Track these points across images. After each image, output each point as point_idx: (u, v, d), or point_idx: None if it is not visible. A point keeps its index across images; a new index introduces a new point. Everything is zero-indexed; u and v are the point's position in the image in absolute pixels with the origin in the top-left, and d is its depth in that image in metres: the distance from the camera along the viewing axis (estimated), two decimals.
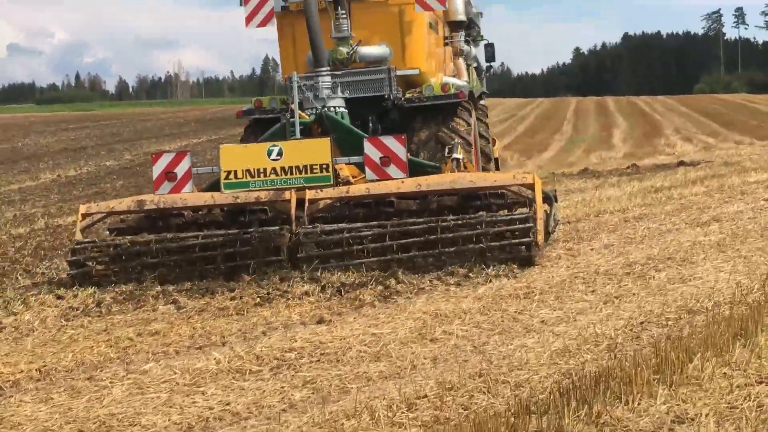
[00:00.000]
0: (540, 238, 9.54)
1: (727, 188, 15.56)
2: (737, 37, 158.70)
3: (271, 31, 12.66)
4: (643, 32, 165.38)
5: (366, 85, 12.00)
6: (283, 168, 9.53)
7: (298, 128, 10.18)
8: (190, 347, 6.98)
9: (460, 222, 9.37)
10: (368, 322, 7.29)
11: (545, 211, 10.31)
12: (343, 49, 11.67)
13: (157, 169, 10.02)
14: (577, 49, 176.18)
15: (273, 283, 9.00)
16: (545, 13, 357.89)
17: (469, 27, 16.75)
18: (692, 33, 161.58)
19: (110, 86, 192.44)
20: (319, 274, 9.11)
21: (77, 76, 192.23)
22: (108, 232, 10.99)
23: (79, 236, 10.27)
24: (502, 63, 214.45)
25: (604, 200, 15.22)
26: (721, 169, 19.86)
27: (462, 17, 15.30)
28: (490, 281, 8.63)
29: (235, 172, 9.58)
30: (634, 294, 7.67)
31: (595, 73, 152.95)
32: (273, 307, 8.16)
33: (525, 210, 9.80)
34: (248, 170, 9.58)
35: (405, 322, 7.11)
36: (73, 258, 9.93)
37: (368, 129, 11.93)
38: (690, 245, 9.86)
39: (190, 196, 10.18)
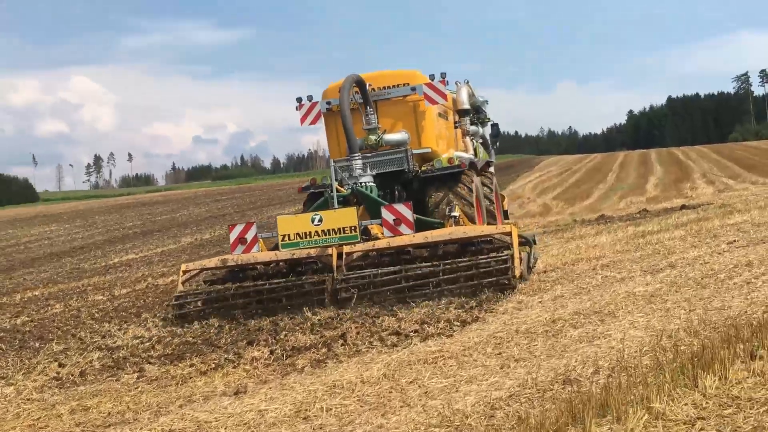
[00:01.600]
0: (517, 272, 9.79)
1: (704, 232, 13.57)
2: (764, 94, 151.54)
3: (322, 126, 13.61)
4: (683, 95, 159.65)
5: (390, 163, 12.63)
6: (323, 230, 10.35)
7: (335, 201, 11.14)
8: (108, 426, 5.85)
9: (456, 264, 9.76)
10: (275, 393, 6.01)
11: (527, 251, 10.90)
12: (372, 137, 12.57)
13: (233, 235, 11.17)
14: (630, 112, 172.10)
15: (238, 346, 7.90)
16: (605, 84, 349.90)
17: (477, 112, 17.21)
18: (725, 92, 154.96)
19: (267, 164, 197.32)
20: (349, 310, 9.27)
21: (242, 158, 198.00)
22: (204, 283, 11.26)
23: (180, 288, 10.84)
24: (570, 126, 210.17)
25: (592, 247, 13.51)
26: (713, 212, 17.68)
27: (467, 106, 15.61)
28: (413, 344, 7.21)
29: (289, 235, 10.46)
30: (535, 357, 6.13)
31: (645, 130, 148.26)
32: (209, 376, 6.93)
33: (506, 252, 9.93)
34: (298, 233, 10.43)
35: (298, 395, 5.78)
36: (176, 303, 10.42)
37: (395, 196, 12.82)
38: (625, 296, 8.14)
39: (260, 255, 10.83)
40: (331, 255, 10.21)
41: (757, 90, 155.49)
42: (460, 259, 9.90)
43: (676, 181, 42.04)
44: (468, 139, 15.76)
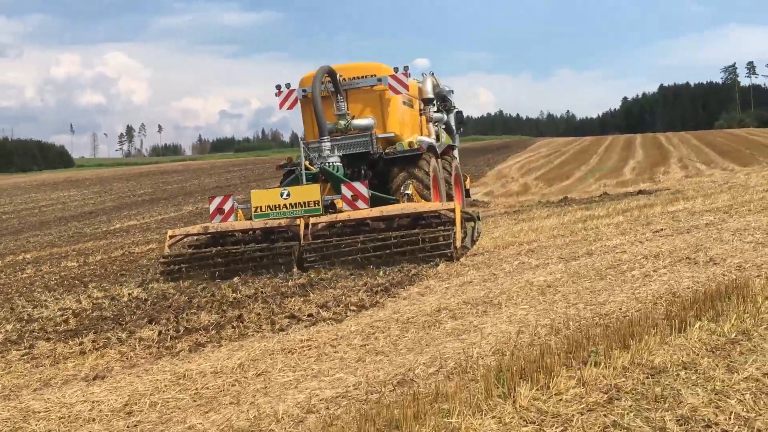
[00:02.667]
0: (458, 244, 10.41)
1: (641, 218, 12.86)
2: (750, 84, 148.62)
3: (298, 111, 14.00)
4: (674, 83, 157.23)
5: (356, 146, 13.04)
6: (290, 204, 10.96)
7: (304, 178, 11.62)
8: None
9: (407, 236, 10.29)
10: (123, 382, 5.43)
11: (472, 226, 11.73)
12: (342, 122, 13.02)
13: (212, 206, 11.72)
14: (624, 98, 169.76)
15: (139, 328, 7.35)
16: (602, 72, 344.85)
17: (444, 100, 17.60)
18: (714, 82, 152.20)
19: (286, 137, 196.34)
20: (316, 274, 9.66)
21: (263, 131, 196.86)
22: (188, 247, 11.69)
23: (166, 250, 11.36)
24: (568, 110, 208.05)
25: (532, 231, 12.86)
26: (663, 198, 16.91)
27: (431, 96, 15.86)
28: (292, 330, 6.63)
29: (261, 207, 11.05)
30: (396, 350, 5.52)
31: (638, 116, 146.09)
32: (86, 357, 6.35)
33: (449, 226, 10.49)
34: (269, 206, 11.01)
35: (140, 386, 5.21)
36: (163, 261, 11.00)
37: (361, 174, 13.21)
38: (523, 286, 7.50)
39: (237, 223, 11.37)
40: (299, 225, 10.75)
41: (744, 81, 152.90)
42: (410, 231, 10.40)
43: (653, 165, 41.03)
44: (431, 125, 15.76)
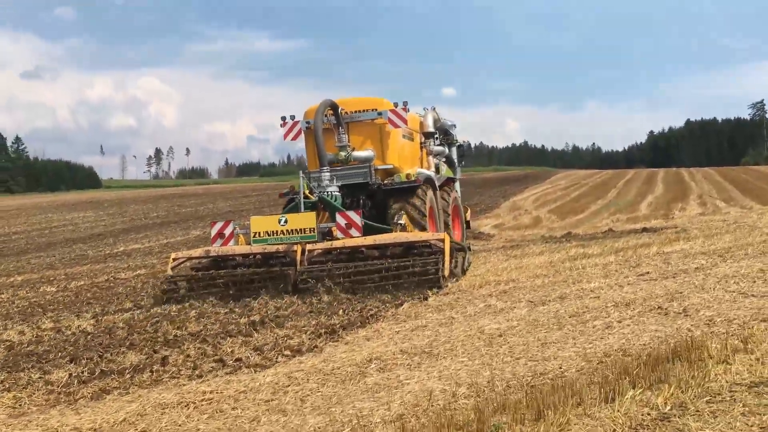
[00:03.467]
0: (446, 273, 10.61)
1: (633, 259, 12.13)
2: None
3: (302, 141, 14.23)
4: (702, 118, 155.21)
5: (355, 176, 13.25)
6: (288, 230, 11.24)
7: (302, 206, 11.89)
8: None
9: (398, 263, 10.53)
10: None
11: (463, 256, 12.45)
12: (343, 153, 13.21)
13: (213, 231, 12.08)
14: (651, 132, 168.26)
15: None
16: (629, 105, 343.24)
17: (446, 134, 17.68)
18: (741, 118, 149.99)
19: None
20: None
21: (288, 157, 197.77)
22: (191, 270, 11.77)
23: (169, 272, 11.52)
24: (593, 143, 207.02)
25: (517, 269, 12.21)
26: (663, 237, 16.15)
27: (431, 129, 16.03)
28: (204, 380, 6.05)
29: (259, 233, 11.32)
30: (298, 411, 4.91)
31: (664, 150, 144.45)
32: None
33: (438, 256, 10.71)
34: (267, 231, 11.28)
35: None
36: (166, 283, 11.12)
37: (360, 204, 13.43)
38: (473, 334, 6.90)
39: (237, 248, 11.60)
40: (296, 251, 10.99)
41: None
42: (401, 260, 10.65)
43: (671, 200, 39.98)
44: (432, 158, 16.01)
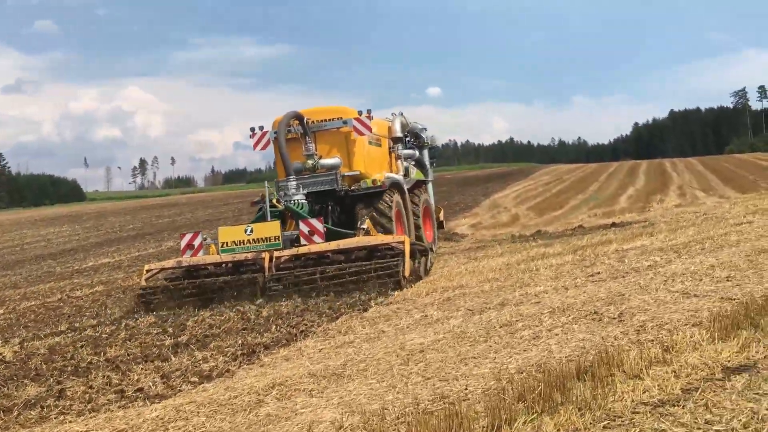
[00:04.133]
0: (407, 274, 11.15)
1: (590, 257, 11.72)
2: (761, 108, 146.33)
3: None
4: (685, 108, 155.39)
5: (322, 183, 13.54)
6: (253, 239, 11.79)
7: (268, 214, 12.56)
8: None
9: (360, 266, 11.07)
10: None
11: (426, 256, 13.04)
12: (310, 162, 13.51)
13: (183, 242, 12.36)
14: (636, 124, 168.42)
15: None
16: (615, 98, 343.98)
17: (417, 137, 18.16)
18: (725, 107, 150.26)
19: None
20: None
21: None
22: (165, 280, 12.17)
23: (143, 283, 11.90)
24: (579, 137, 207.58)
25: (470, 273, 11.82)
26: (629, 233, 15.79)
27: (399, 135, 16.38)
28: (89, 416, 5.60)
29: (227, 242, 11.87)
30: None
31: (648, 142, 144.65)
32: None
33: (398, 258, 11.20)
34: (234, 241, 11.85)
35: None
36: (142, 294, 11.56)
37: (328, 211, 13.91)
38: (392, 351, 6.42)
39: (208, 257, 12.02)
40: (264, 258, 11.43)
41: (755, 105, 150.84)
42: (364, 263, 11.14)
43: (651, 192, 39.72)
44: (400, 162, 16.29)
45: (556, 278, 9.98)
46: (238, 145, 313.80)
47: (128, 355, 7.77)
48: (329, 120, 14.07)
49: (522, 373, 5.21)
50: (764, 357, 4.73)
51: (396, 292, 10.45)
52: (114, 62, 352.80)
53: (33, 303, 15.21)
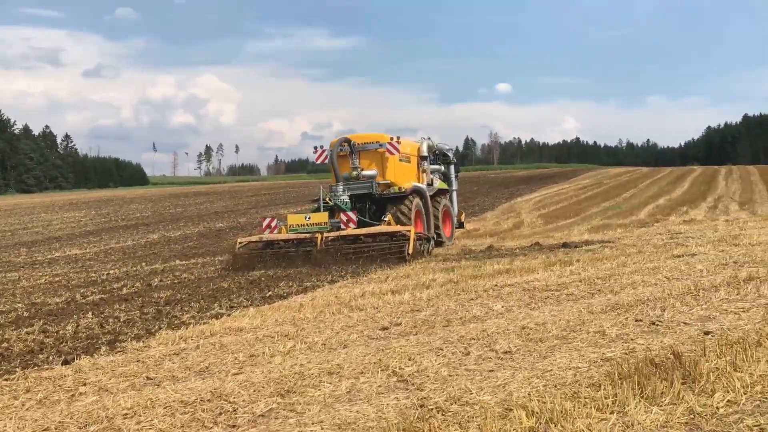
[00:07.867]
0: (410, 251, 15.85)
1: (462, 292, 9.90)
2: None
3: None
4: (760, 113, 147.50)
5: (363, 188, 18.53)
6: (311, 223, 16.89)
7: (321, 207, 17.73)
8: None
9: (377, 244, 16.09)
10: None
11: (428, 243, 18.09)
12: (354, 172, 18.51)
13: (264, 224, 17.62)
14: (708, 128, 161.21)
15: None
16: (693, 101, 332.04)
17: (445, 156, 22.78)
18: None
19: None
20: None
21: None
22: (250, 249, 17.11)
23: (237, 250, 16.90)
24: (648, 139, 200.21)
25: (418, 288, 10.62)
26: (560, 258, 13.66)
27: (425, 154, 21.04)
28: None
29: (293, 225, 17.00)
30: None
31: (720, 147, 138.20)
32: None
33: (404, 241, 16.02)
34: (298, 224, 16.95)
35: None
36: (235, 257, 16.50)
37: (366, 208, 18.73)
38: (310, 370, 5.44)
39: (280, 235, 16.99)
40: (317, 237, 16.30)
41: None
42: (382, 242, 16.09)
43: (684, 203, 37.23)
44: (425, 174, 20.92)
45: (501, 299, 8.59)
46: (305, 136, 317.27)
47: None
48: (369, 143, 18.92)
49: None
50: None
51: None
52: (190, 50, 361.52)
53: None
